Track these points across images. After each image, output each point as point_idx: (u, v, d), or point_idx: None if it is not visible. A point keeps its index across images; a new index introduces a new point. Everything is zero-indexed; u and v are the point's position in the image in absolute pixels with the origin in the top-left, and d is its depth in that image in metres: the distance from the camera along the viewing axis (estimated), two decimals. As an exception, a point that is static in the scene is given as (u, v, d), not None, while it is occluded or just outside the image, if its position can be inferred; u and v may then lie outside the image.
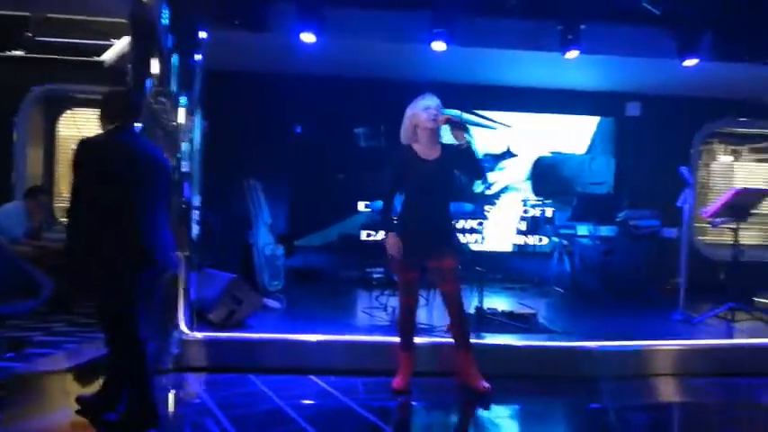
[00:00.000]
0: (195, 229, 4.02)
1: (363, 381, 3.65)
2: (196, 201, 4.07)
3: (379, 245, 6.04)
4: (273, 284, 5.57)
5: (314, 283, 6.25)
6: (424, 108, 3.37)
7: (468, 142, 3.30)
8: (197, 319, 4.04)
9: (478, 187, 6.24)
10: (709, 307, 5.12)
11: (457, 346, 3.48)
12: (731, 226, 5.08)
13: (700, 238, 7.28)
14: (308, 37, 4.60)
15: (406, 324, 3.52)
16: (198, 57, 4.07)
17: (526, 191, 7.06)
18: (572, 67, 5.65)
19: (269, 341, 3.91)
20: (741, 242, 5.34)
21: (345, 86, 6.42)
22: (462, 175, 3.58)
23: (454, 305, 3.40)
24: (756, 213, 7.47)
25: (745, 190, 5.13)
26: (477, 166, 3.43)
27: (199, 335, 3.88)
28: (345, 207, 6.76)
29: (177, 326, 3.83)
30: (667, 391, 3.92)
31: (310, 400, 3.41)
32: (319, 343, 3.91)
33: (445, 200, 3.43)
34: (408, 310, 3.47)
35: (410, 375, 3.52)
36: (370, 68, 6.13)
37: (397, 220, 3.47)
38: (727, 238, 5.45)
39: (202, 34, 4.09)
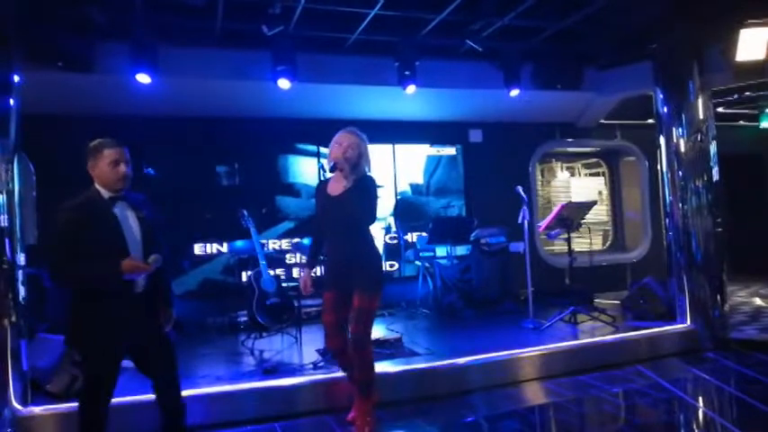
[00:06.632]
0: (22, 291, 3.61)
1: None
2: (20, 259, 3.67)
3: (242, 287, 5.87)
4: (127, 341, 5.12)
5: (175, 335, 5.85)
6: (335, 143, 3.34)
7: (364, 185, 3.20)
8: (33, 392, 3.61)
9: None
10: (556, 312, 5.57)
11: (357, 390, 3.34)
12: (565, 236, 5.56)
13: (547, 248, 7.95)
14: (143, 78, 4.42)
15: (340, 362, 3.54)
16: (12, 101, 3.68)
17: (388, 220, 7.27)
18: (417, 99, 5.96)
19: (121, 405, 3.58)
20: (588, 249, 5.84)
21: (195, 126, 6.21)
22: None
23: (352, 348, 3.22)
24: (597, 222, 8.44)
25: (570, 204, 5.66)
26: (365, 208, 3.18)
27: (37, 409, 3.47)
28: (206, 250, 6.48)
29: (7, 402, 3.38)
30: (526, 395, 4.17)
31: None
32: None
33: (353, 234, 3.23)
34: (332, 351, 3.51)
35: None
36: (218, 107, 6.01)
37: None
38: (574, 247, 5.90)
39: (16, 77, 3.72)
